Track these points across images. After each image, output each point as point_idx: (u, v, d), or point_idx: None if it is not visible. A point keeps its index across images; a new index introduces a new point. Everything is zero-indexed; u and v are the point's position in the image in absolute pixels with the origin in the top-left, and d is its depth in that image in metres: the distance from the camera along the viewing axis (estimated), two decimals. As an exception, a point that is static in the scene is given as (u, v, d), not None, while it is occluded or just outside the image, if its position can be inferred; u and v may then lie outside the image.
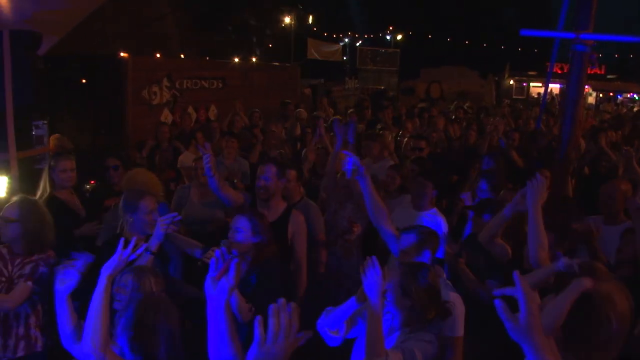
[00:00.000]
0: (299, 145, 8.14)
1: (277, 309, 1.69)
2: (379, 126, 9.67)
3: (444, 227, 4.64)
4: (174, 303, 2.84)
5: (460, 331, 3.40)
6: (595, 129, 8.76)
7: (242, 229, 3.68)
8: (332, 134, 7.20)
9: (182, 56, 19.78)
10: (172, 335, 2.67)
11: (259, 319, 1.69)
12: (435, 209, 4.80)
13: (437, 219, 4.65)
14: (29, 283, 3.68)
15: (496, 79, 33.61)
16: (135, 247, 2.82)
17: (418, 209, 4.77)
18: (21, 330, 3.72)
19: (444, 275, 3.69)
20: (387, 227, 3.91)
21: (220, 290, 1.97)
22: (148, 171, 5.38)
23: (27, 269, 3.74)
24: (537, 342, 1.75)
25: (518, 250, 4.01)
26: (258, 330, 1.69)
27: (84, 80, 8.86)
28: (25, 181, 5.32)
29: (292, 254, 4.48)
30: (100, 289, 2.61)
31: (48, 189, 4.83)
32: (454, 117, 11.69)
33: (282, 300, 1.71)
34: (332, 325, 2.96)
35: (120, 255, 2.73)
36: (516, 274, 1.84)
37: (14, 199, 3.91)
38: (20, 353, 3.71)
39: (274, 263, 3.77)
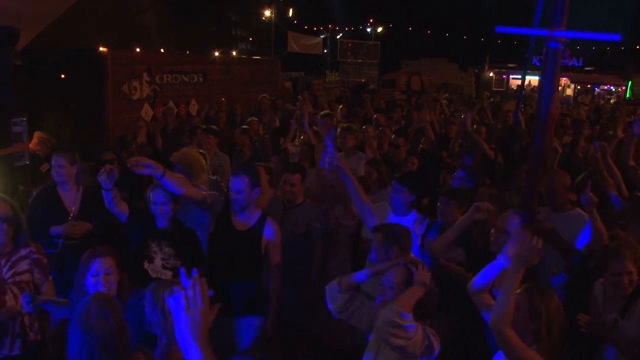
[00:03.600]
0: (281, 139, 8.16)
1: (192, 280, 1.90)
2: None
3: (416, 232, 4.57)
4: None
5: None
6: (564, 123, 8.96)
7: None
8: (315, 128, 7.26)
9: (162, 50, 19.61)
10: None
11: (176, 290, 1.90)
12: (414, 212, 4.69)
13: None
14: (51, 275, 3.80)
15: (476, 71, 33.83)
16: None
17: (398, 215, 4.67)
18: (17, 328, 3.71)
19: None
20: (372, 220, 4.01)
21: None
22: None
23: (24, 265, 3.74)
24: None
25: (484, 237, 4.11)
26: (182, 299, 1.88)
27: (63, 75, 8.77)
28: (3, 179, 5.29)
29: (266, 263, 4.41)
30: None
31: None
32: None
33: (196, 273, 1.92)
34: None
35: None
36: None
37: None
38: (15, 352, 3.71)
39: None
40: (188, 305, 1.87)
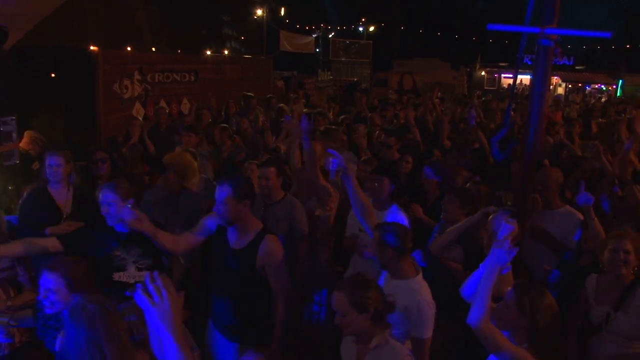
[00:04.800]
0: (273, 138, 8.16)
1: (152, 276, 2.03)
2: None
3: (406, 223, 4.59)
4: None
5: (429, 333, 3.51)
6: (552, 122, 9.03)
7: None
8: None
9: (153, 49, 19.58)
10: None
11: (139, 287, 2.00)
12: (395, 206, 4.72)
13: (398, 217, 4.58)
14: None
15: (468, 70, 33.94)
16: None
17: (379, 209, 4.64)
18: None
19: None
20: (370, 224, 3.98)
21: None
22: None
23: (5, 262, 3.72)
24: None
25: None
26: (144, 295, 1.98)
27: (53, 75, 8.72)
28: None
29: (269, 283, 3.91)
30: None
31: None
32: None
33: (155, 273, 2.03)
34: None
35: None
36: None
37: None
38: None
39: None
40: (152, 298, 1.95)
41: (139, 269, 3.92)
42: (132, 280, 3.90)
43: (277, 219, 4.78)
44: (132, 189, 4.14)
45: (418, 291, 3.53)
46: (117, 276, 3.91)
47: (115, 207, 3.80)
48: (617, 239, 3.61)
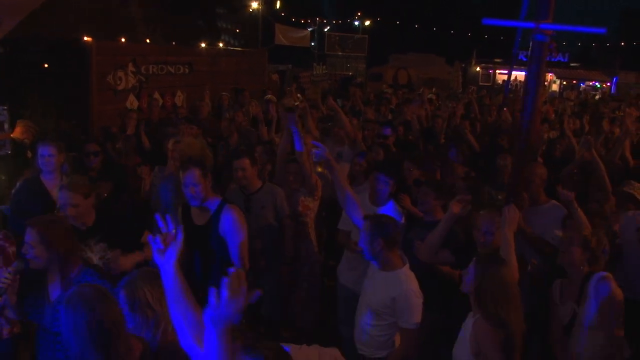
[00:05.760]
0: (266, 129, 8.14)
1: (235, 275, 1.94)
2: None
3: (401, 219, 4.68)
4: None
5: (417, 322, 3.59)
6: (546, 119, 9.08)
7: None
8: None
9: (147, 41, 19.49)
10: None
11: (213, 288, 1.94)
12: (391, 202, 4.80)
13: (393, 214, 4.55)
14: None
15: (463, 65, 33.94)
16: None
17: (375, 204, 4.77)
18: None
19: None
20: (357, 216, 4.00)
21: (169, 256, 2.26)
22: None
23: None
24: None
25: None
26: (213, 297, 1.92)
27: (46, 65, 8.66)
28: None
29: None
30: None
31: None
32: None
33: (234, 270, 1.95)
34: None
35: None
36: None
37: None
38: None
39: None
40: (218, 303, 1.91)
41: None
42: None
43: (262, 205, 4.93)
44: (92, 186, 4.19)
45: (405, 281, 3.62)
46: None
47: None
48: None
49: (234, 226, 4.07)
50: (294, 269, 5.26)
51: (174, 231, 2.24)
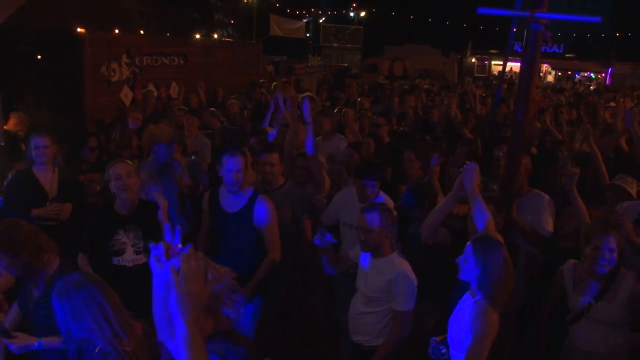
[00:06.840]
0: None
1: (187, 256, 1.85)
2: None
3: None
4: None
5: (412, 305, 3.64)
6: (540, 109, 9.03)
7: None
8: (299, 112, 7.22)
9: (141, 32, 19.37)
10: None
11: (170, 265, 1.86)
12: (381, 195, 4.68)
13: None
14: None
15: (458, 57, 33.88)
16: None
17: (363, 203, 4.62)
18: None
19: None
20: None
21: (166, 268, 2.04)
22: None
23: None
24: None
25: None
26: (172, 274, 1.84)
27: (39, 57, 8.60)
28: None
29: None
30: None
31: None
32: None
33: (191, 248, 1.88)
34: None
35: None
36: None
37: None
38: None
39: None
40: (178, 281, 1.81)
41: (137, 252, 3.90)
42: (131, 264, 3.89)
43: (279, 205, 4.68)
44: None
45: (400, 264, 3.69)
46: (117, 261, 3.89)
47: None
48: (601, 235, 3.51)
49: (268, 216, 4.21)
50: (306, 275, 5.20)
51: (179, 246, 1.99)
